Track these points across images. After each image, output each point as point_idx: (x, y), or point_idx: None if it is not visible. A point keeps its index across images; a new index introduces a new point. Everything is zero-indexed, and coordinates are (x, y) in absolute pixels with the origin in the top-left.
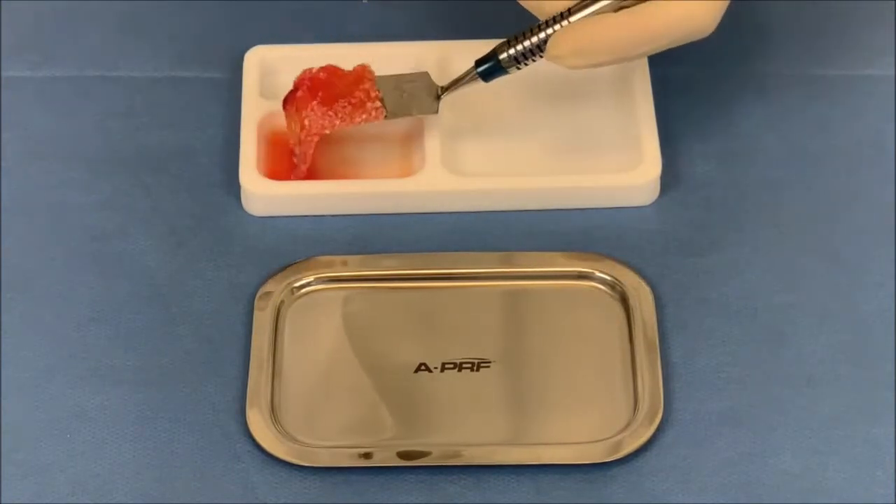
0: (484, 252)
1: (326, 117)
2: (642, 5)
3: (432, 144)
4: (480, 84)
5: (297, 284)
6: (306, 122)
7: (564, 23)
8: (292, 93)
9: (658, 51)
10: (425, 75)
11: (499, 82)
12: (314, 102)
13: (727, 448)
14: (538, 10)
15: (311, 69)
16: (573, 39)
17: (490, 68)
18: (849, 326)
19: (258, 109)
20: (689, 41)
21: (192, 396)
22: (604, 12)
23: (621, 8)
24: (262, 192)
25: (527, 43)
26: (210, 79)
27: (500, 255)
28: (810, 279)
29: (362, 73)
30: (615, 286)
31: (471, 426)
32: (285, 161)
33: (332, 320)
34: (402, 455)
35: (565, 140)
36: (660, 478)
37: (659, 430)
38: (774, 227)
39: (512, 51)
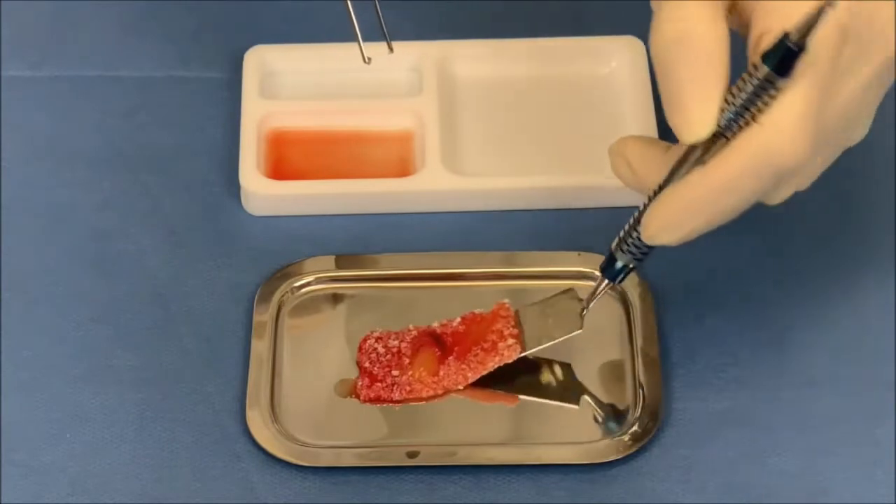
0: (484, 252)
1: (460, 372)
2: (716, 155)
3: (432, 144)
4: (481, 85)
5: (297, 284)
6: (442, 373)
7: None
8: (431, 337)
9: (761, 196)
10: (570, 292)
11: (498, 82)
12: (451, 358)
13: (727, 448)
14: (642, 189)
15: (450, 322)
16: (657, 214)
17: (614, 271)
18: (849, 326)
19: (258, 109)
20: (784, 176)
21: (192, 396)
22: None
23: None
24: (262, 192)
25: (634, 233)
26: (210, 79)
27: (501, 255)
28: (810, 279)
29: (497, 312)
30: (615, 286)
31: (471, 426)
32: (285, 161)
33: (332, 320)
34: (402, 455)
35: (565, 140)
36: (660, 478)
37: (659, 430)
38: (774, 226)
39: (624, 245)
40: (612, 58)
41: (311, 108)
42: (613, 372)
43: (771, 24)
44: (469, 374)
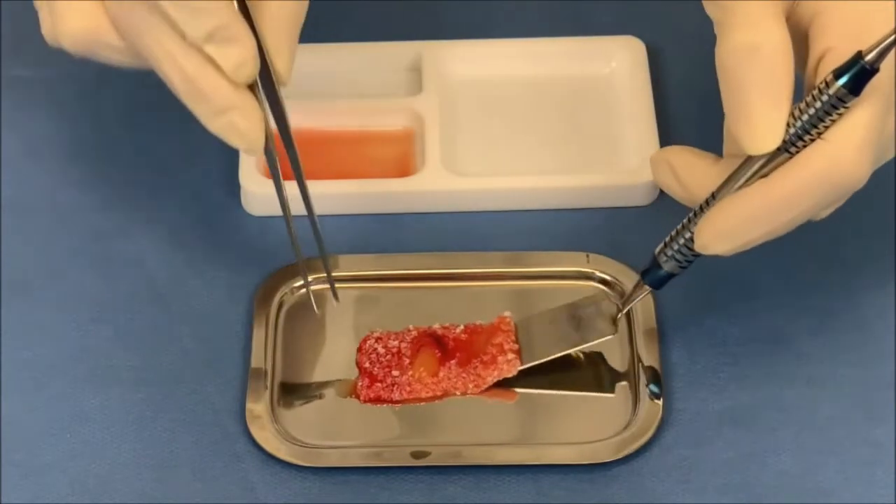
0: (485, 252)
1: (460, 379)
2: (779, 168)
3: (432, 144)
4: (481, 85)
5: (296, 284)
6: (441, 374)
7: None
8: (432, 338)
9: (815, 213)
10: (602, 295)
11: (498, 82)
12: (452, 362)
13: (727, 448)
14: (689, 200)
15: (453, 327)
16: (713, 224)
17: (655, 275)
18: (849, 326)
19: None
20: (843, 196)
21: (192, 396)
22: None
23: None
24: (262, 192)
25: (681, 240)
26: None
27: (501, 255)
28: (810, 279)
29: (499, 325)
30: (615, 286)
31: (471, 427)
32: (285, 161)
33: (332, 320)
34: (402, 455)
35: (565, 140)
36: (660, 478)
37: (659, 430)
38: None
39: (669, 251)
40: (612, 58)
41: (312, 108)
42: (613, 372)
43: (835, 42)
44: (470, 386)
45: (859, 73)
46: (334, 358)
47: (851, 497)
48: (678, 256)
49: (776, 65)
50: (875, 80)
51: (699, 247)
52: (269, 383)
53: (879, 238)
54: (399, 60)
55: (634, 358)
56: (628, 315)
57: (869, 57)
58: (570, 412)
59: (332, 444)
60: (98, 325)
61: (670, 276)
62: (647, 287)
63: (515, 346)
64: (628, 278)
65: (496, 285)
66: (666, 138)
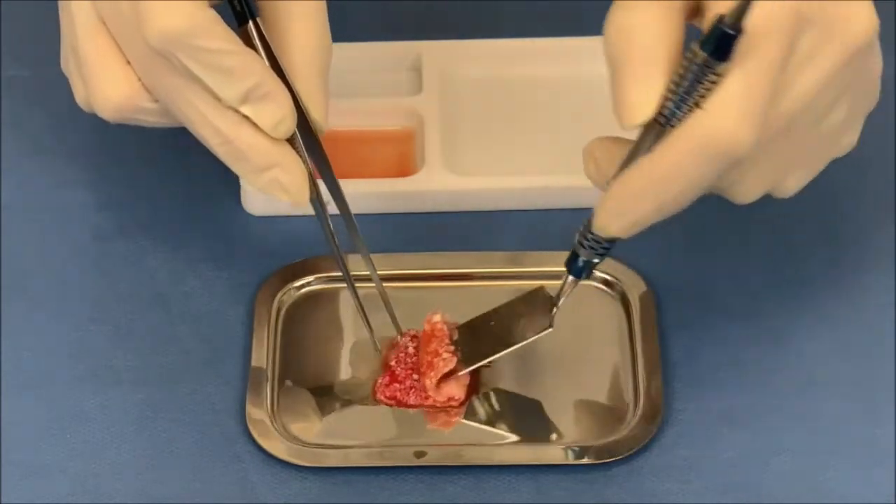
0: (485, 252)
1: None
2: (662, 141)
3: (432, 144)
4: (480, 85)
5: (297, 284)
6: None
7: None
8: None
9: (706, 182)
10: (540, 290)
11: (498, 82)
12: (432, 373)
13: (727, 448)
14: (603, 185)
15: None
16: (604, 204)
17: (577, 265)
18: (849, 326)
19: None
20: (730, 164)
21: (192, 396)
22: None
23: None
24: (262, 192)
25: (592, 227)
26: None
27: (502, 255)
28: (810, 279)
29: (431, 332)
30: (615, 285)
31: (471, 427)
32: None
33: (332, 320)
34: (403, 455)
35: (566, 140)
36: (660, 478)
37: (659, 430)
38: (775, 226)
39: (585, 241)
40: None
41: None
42: (613, 372)
43: (723, 9)
44: (412, 397)
45: (722, 38)
46: (334, 358)
47: (851, 497)
48: (593, 244)
49: (646, 42)
50: (748, 44)
51: (597, 229)
52: (269, 383)
53: (879, 238)
54: (399, 60)
55: (634, 357)
56: (628, 314)
57: (727, 19)
58: (570, 412)
59: (331, 444)
60: (98, 325)
61: (591, 263)
62: (572, 278)
63: (451, 347)
64: (629, 278)
65: (499, 285)
66: None
